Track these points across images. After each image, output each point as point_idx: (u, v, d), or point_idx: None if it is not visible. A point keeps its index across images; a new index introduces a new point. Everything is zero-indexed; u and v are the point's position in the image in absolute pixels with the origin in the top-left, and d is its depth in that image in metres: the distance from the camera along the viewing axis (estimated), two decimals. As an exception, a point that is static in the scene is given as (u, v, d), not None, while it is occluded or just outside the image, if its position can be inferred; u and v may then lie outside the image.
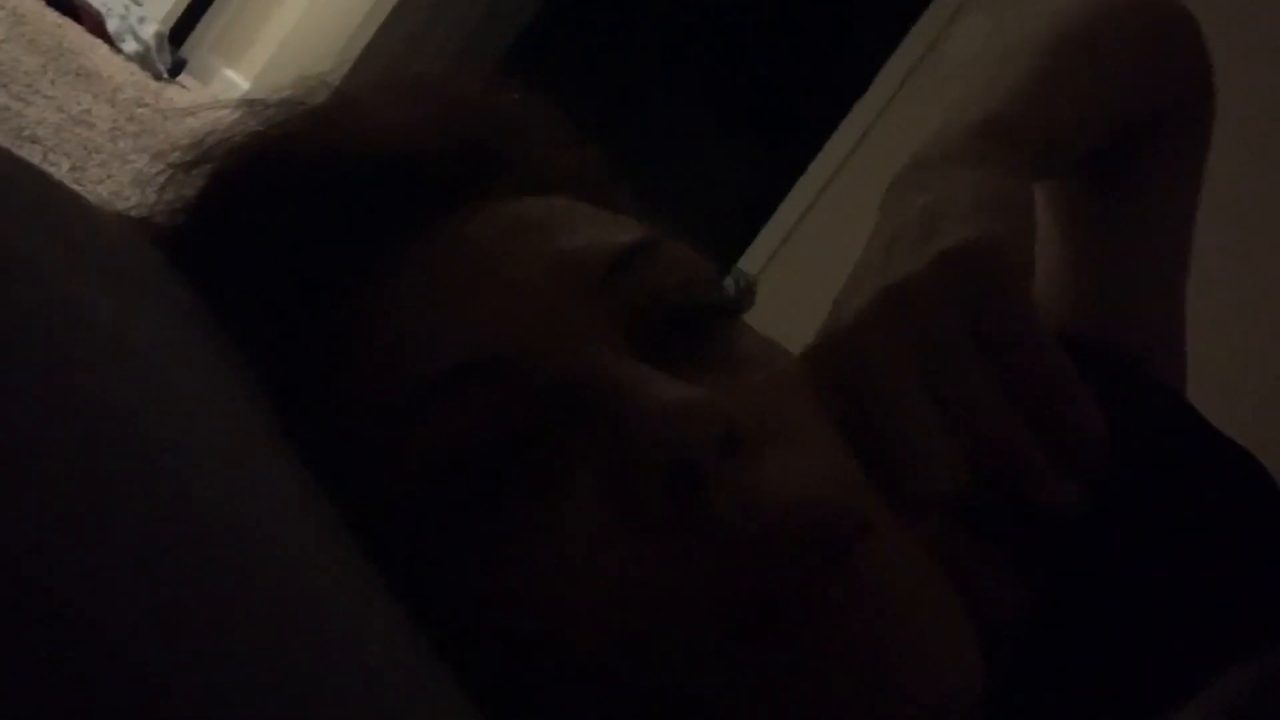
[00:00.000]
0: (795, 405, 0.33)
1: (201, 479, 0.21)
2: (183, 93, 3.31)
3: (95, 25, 3.14)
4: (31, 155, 1.69)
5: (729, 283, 0.37)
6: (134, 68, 3.12)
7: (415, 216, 0.35)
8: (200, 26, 3.76)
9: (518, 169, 0.38)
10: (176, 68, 3.43)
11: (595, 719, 0.30)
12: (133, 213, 0.38)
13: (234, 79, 3.67)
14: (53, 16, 2.89)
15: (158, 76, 3.25)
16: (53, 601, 0.16)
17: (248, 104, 0.38)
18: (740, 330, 0.36)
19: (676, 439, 0.29)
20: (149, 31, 3.30)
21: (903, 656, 0.29)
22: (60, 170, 1.72)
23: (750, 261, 2.65)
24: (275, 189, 0.35)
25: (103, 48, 3.05)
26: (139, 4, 3.38)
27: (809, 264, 2.63)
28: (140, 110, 2.52)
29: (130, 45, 3.21)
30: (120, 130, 2.19)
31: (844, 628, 0.29)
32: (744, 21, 4.09)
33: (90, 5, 3.15)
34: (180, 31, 3.68)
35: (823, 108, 2.78)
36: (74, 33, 2.91)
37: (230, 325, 0.33)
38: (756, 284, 0.37)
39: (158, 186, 0.37)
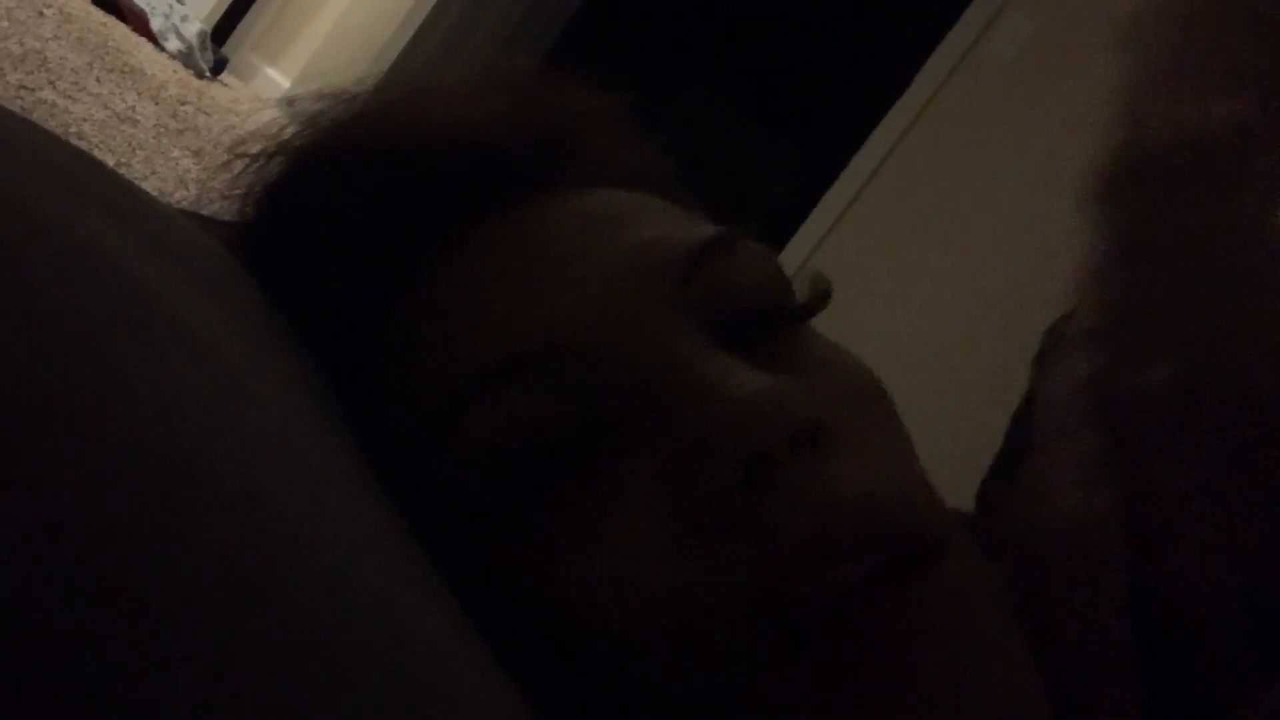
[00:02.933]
0: (873, 413, 0.33)
1: (265, 477, 0.21)
2: (225, 91, 3.34)
3: (140, 24, 3.17)
4: (77, 152, 1.70)
5: (804, 284, 0.36)
6: (177, 66, 3.15)
7: (487, 205, 0.35)
8: (242, 25, 3.79)
9: (589, 161, 0.37)
10: (219, 66, 3.46)
11: (644, 717, 0.29)
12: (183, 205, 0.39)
13: (275, 78, 3.70)
14: (98, 15, 2.92)
15: (200, 75, 3.27)
16: (106, 584, 0.16)
17: (322, 97, 0.38)
18: (811, 334, 0.35)
19: (753, 427, 0.28)
20: (192, 30, 3.33)
21: (958, 692, 0.28)
22: (105, 167, 1.73)
23: (787, 260, 2.64)
24: (351, 176, 0.35)
25: (147, 46, 3.08)
26: (181, 3, 3.41)
27: (846, 264, 2.62)
28: (183, 108, 2.54)
29: (174, 44, 3.24)
30: (164, 127, 2.22)
31: (903, 650, 0.28)
32: (784, 19, 4.08)
33: (134, 4, 3.19)
34: (222, 30, 3.71)
35: (862, 106, 2.76)
36: (119, 31, 2.95)
37: (295, 316, 0.33)
38: (831, 287, 0.36)
39: (225, 179, 0.37)
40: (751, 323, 0.33)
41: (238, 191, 0.37)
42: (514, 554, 0.30)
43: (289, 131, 0.37)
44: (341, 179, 0.35)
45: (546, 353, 0.31)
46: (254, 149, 0.37)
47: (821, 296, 0.36)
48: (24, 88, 1.81)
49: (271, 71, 3.75)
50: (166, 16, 3.27)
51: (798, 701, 0.28)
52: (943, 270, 2.49)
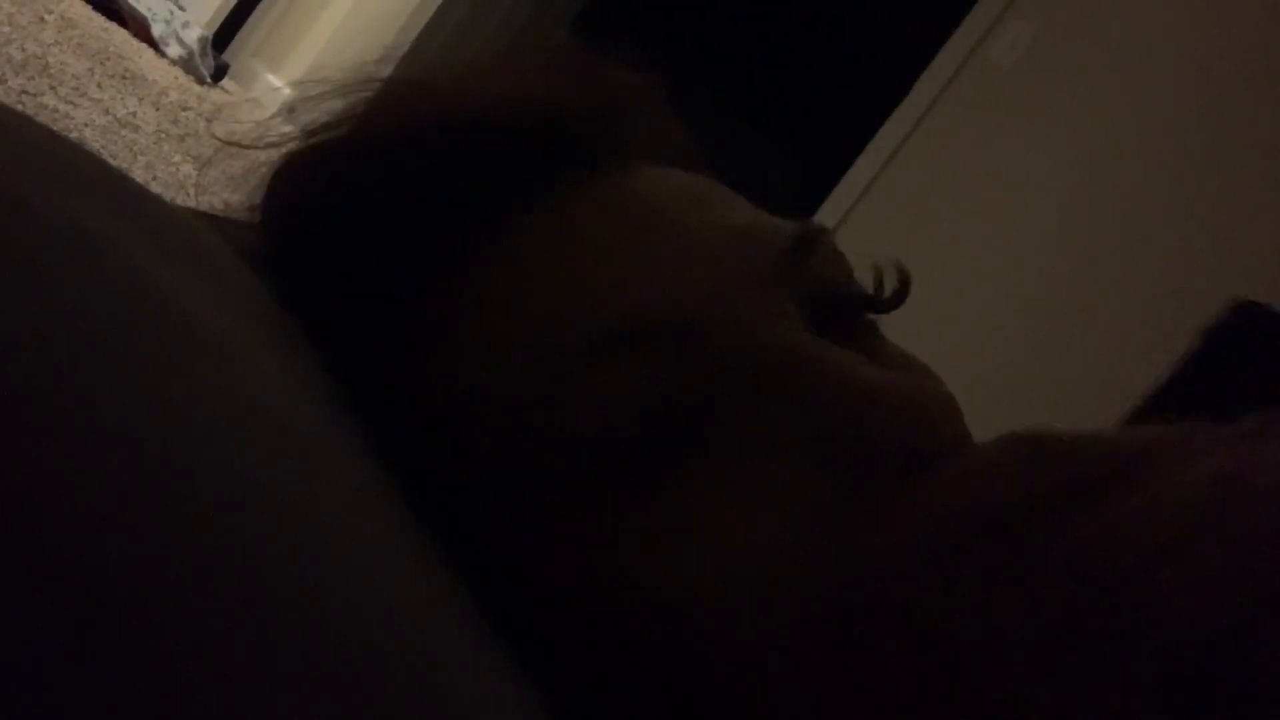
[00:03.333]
0: (959, 422, 0.32)
1: (272, 474, 0.21)
2: (226, 97, 3.35)
3: (141, 30, 3.18)
4: (78, 157, 1.70)
5: (885, 275, 0.35)
6: (178, 72, 3.15)
7: (552, 175, 0.34)
8: (243, 32, 3.80)
9: (648, 139, 0.37)
10: (220, 72, 3.47)
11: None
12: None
13: (275, 83, 3.71)
14: (100, 21, 2.93)
15: (201, 81, 3.28)
16: (106, 583, 0.16)
17: (336, 87, 0.37)
18: (882, 335, 0.35)
19: (914, 424, 0.28)
20: (193, 36, 3.33)
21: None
22: (106, 172, 1.73)
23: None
24: (406, 152, 0.34)
25: (148, 52, 3.08)
26: (182, 9, 3.42)
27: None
28: (184, 114, 2.54)
29: (174, 50, 3.25)
30: (165, 133, 2.22)
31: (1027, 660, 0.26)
32: (785, 24, 4.08)
33: (136, 10, 3.19)
34: (223, 37, 3.72)
35: (862, 113, 2.76)
36: (120, 37, 2.95)
37: (325, 308, 0.32)
38: (910, 277, 0.35)
39: (237, 169, 0.36)
40: (839, 314, 0.33)
41: (251, 185, 0.36)
42: (612, 528, 0.29)
43: (298, 128, 0.36)
44: (395, 156, 0.34)
45: (661, 328, 0.30)
46: (271, 139, 0.36)
47: (905, 287, 0.35)
48: (26, 93, 1.81)
49: (272, 77, 3.76)
50: (167, 23, 3.27)
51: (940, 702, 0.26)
52: (943, 276, 2.49)
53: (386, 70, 0.40)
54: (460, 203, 0.33)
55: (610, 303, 0.30)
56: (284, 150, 0.36)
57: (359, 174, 0.34)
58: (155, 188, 1.88)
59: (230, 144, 0.37)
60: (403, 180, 0.33)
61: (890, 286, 0.35)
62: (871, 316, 0.35)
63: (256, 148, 0.37)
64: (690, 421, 0.29)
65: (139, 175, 1.84)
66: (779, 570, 0.28)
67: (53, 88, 1.94)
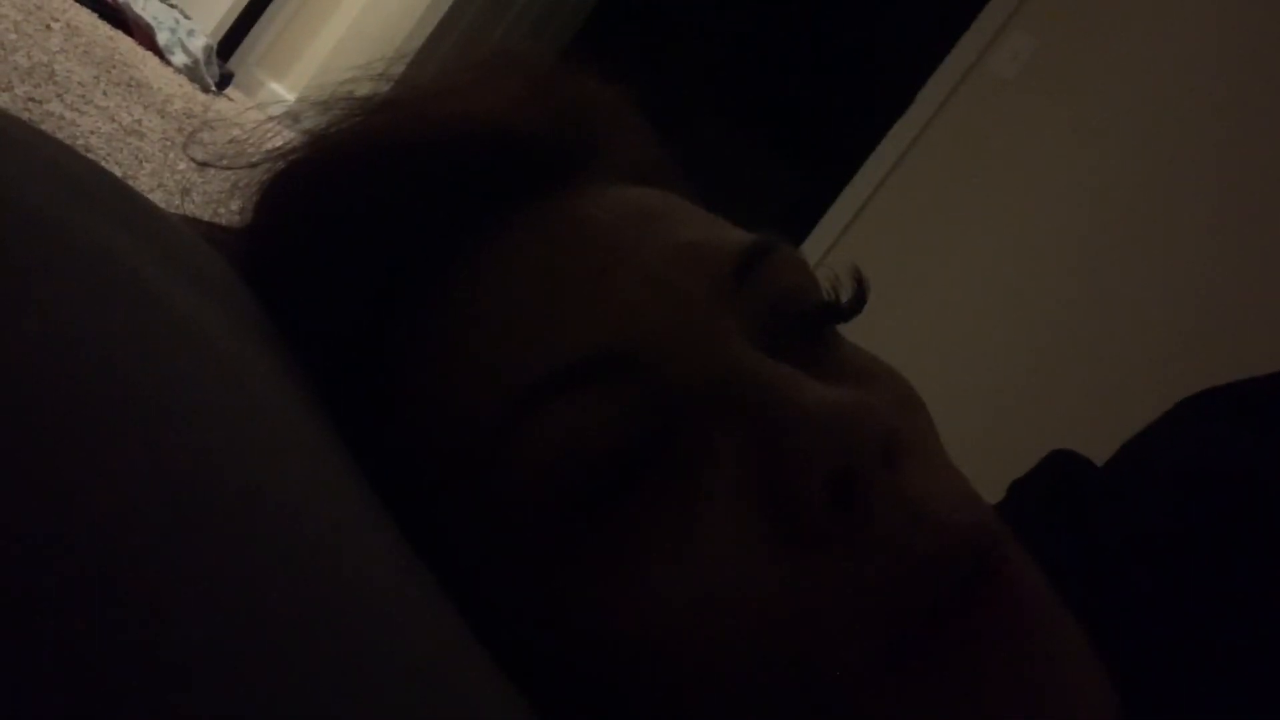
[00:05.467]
0: (921, 420, 0.32)
1: (272, 480, 0.21)
2: (230, 105, 3.35)
3: (146, 38, 3.19)
4: (83, 164, 1.69)
5: (841, 281, 0.35)
6: (183, 80, 3.16)
7: (511, 198, 0.33)
8: (247, 41, 3.81)
9: (612, 155, 0.36)
10: (224, 81, 3.48)
11: None
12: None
13: (280, 92, 3.72)
14: (105, 29, 2.93)
15: (206, 89, 3.29)
16: (110, 584, 0.17)
17: (326, 104, 0.36)
18: (844, 340, 0.34)
19: (840, 442, 0.27)
20: (198, 45, 3.34)
21: (1057, 676, 0.28)
22: (111, 179, 1.73)
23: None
24: (365, 175, 0.33)
25: (153, 60, 3.09)
26: (188, 17, 3.43)
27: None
28: (189, 121, 2.55)
29: (180, 58, 3.26)
30: (170, 141, 2.22)
31: (1002, 647, 0.27)
32: (786, 38, 4.09)
33: (141, 18, 3.20)
34: (227, 45, 3.73)
35: (863, 125, 2.77)
36: (126, 45, 2.96)
37: (301, 326, 0.32)
38: (868, 282, 0.35)
39: (228, 183, 0.36)
40: (797, 327, 0.32)
41: (240, 198, 0.36)
42: (572, 569, 0.29)
43: (294, 139, 0.36)
44: (354, 178, 0.33)
45: (607, 359, 0.30)
46: (257, 155, 0.36)
47: (863, 292, 0.35)
48: (32, 100, 1.82)
49: (276, 86, 3.76)
50: (173, 31, 3.28)
51: (898, 716, 0.27)
52: (944, 287, 2.49)
53: (397, 69, 0.40)
54: (413, 232, 0.33)
55: (559, 337, 0.30)
56: (262, 169, 0.36)
57: (309, 201, 0.34)
58: (161, 194, 1.88)
59: (206, 165, 0.37)
60: (353, 208, 0.33)
61: (847, 293, 0.35)
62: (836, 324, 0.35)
63: (233, 168, 0.36)
64: (647, 450, 0.29)
65: (145, 182, 1.85)
66: (736, 598, 0.27)
67: (59, 95, 1.95)
